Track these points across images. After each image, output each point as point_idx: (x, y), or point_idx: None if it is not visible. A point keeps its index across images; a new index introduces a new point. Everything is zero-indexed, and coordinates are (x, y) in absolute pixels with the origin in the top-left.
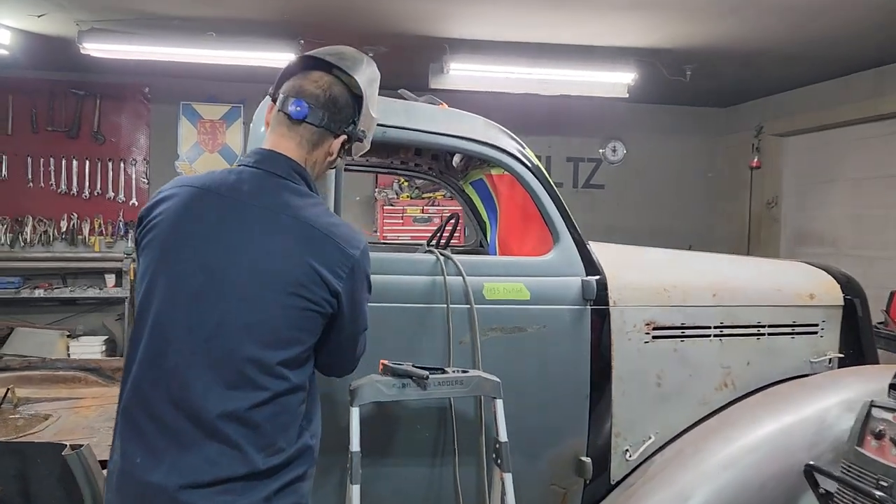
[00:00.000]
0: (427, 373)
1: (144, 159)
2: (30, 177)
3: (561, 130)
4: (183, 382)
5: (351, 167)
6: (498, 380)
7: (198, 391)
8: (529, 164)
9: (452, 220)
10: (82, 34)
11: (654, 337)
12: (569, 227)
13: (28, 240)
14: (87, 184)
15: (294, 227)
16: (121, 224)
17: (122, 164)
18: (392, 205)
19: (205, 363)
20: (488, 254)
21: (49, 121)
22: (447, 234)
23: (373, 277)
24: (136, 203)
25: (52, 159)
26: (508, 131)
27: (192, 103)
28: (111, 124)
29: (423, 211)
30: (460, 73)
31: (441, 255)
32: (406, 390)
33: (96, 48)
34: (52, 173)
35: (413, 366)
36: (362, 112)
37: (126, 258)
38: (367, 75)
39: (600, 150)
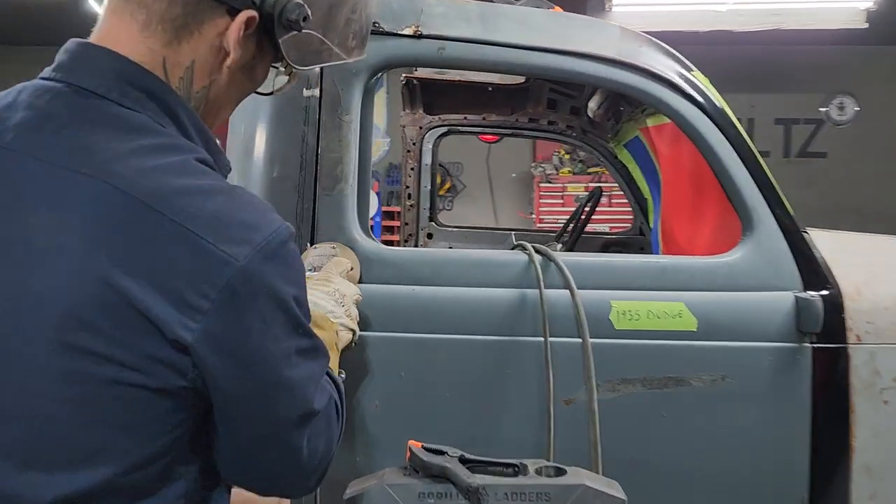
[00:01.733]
0: (482, 481)
1: None
2: None
3: (768, 85)
4: None
5: (450, 124)
6: (623, 497)
7: None
8: (702, 101)
9: (591, 202)
10: None
11: None
12: (772, 208)
13: None
14: None
15: (95, 197)
16: None
17: None
18: (550, 181)
19: None
20: (650, 246)
21: None
22: (584, 219)
23: (403, 290)
24: None
25: None
26: (665, 45)
27: None
28: None
29: (586, 189)
30: (628, 9)
31: (536, 252)
32: None
33: None
34: None
35: (465, 458)
36: None
37: None
38: None
39: (822, 109)
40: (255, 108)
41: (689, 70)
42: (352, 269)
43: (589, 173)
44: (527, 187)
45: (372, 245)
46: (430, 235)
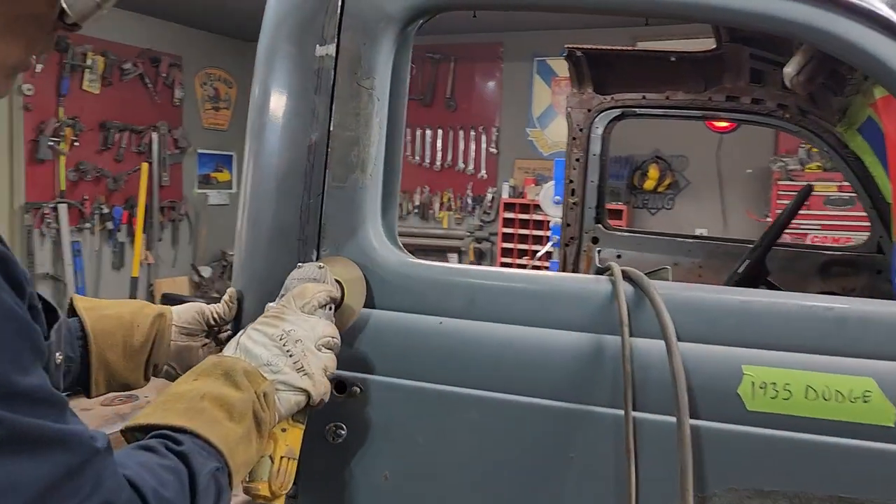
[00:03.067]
0: None
1: (495, 126)
2: None
3: None
4: None
5: (624, 106)
6: None
7: None
8: None
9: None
10: None
11: None
12: None
13: None
14: (439, 155)
15: None
16: (468, 199)
17: (472, 133)
18: (791, 179)
19: None
20: (890, 269)
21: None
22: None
23: (427, 322)
24: (485, 175)
25: (408, 129)
26: None
27: (547, 58)
28: (464, 89)
29: (840, 189)
30: None
31: (627, 277)
32: None
33: None
34: (408, 144)
35: None
36: None
37: (468, 237)
38: None
39: None
40: (265, 72)
41: None
42: (328, 305)
43: None
44: (764, 186)
45: (396, 258)
46: (595, 240)
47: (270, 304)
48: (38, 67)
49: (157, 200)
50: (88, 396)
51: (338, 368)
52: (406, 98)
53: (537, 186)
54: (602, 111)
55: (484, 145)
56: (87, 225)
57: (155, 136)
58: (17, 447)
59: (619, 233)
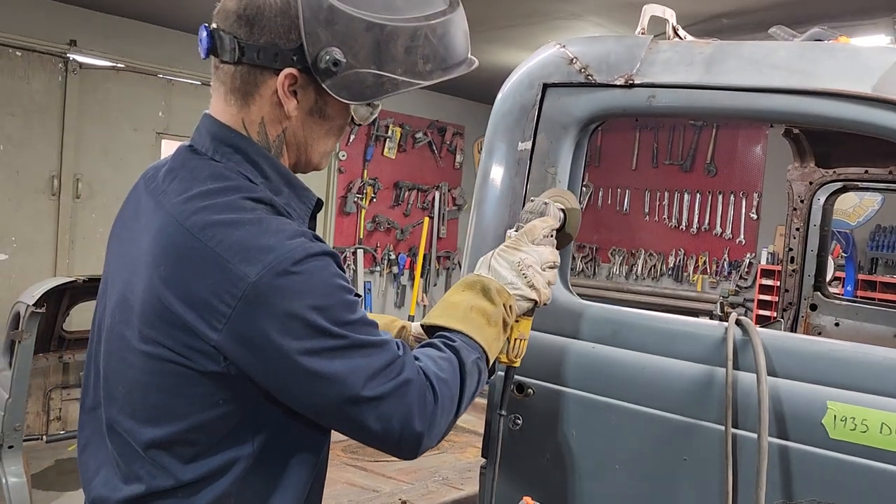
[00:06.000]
0: None
1: (757, 192)
2: (646, 210)
3: None
4: (84, 461)
5: (847, 180)
6: None
7: (89, 471)
8: None
9: None
10: None
11: None
12: None
13: (639, 273)
14: (696, 218)
15: (158, 226)
16: (724, 263)
17: (731, 198)
18: None
19: (100, 431)
20: None
21: (668, 154)
22: None
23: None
24: (744, 241)
25: (666, 193)
26: None
27: None
28: (724, 155)
29: None
30: None
31: (738, 323)
32: None
33: None
34: (666, 207)
35: None
36: (323, 17)
37: (722, 300)
38: None
39: None
40: (486, 158)
41: None
42: (551, 234)
43: None
44: None
45: (565, 297)
46: (813, 307)
47: (510, 230)
48: (351, 138)
49: (436, 250)
50: None
51: (519, 376)
52: (581, 180)
53: None
54: (824, 184)
55: (744, 210)
56: (377, 268)
57: (437, 194)
58: (358, 350)
59: (837, 301)
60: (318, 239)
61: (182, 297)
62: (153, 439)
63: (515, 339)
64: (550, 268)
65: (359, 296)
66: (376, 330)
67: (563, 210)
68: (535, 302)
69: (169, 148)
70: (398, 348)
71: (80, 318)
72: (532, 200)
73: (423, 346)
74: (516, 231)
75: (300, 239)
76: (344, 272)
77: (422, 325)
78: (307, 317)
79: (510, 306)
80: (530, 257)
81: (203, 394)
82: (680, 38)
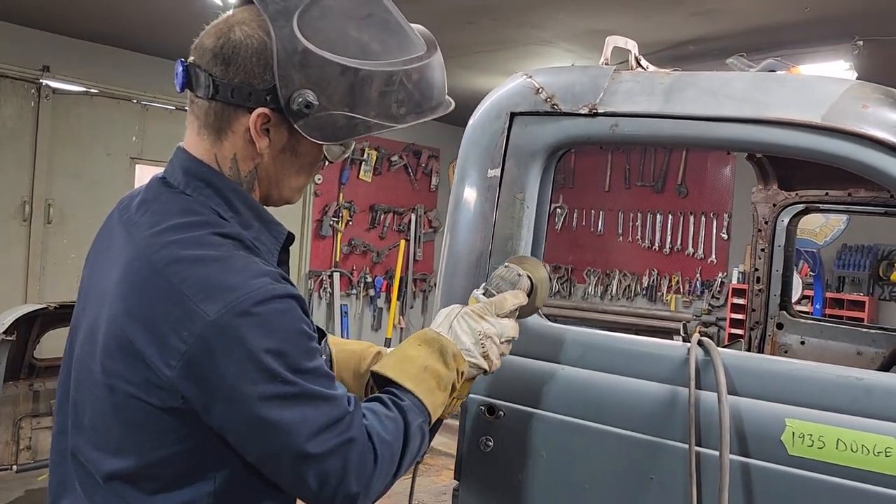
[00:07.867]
0: None
1: (727, 213)
2: (620, 231)
3: None
4: (53, 490)
5: (808, 202)
6: None
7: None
8: None
9: None
10: None
11: None
12: None
13: (613, 293)
14: (668, 239)
15: (127, 258)
16: (697, 283)
17: (702, 218)
18: None
19: (68, 461)
20: None
21: (639, 176)
22: None
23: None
24: (715, 261)
25: (639, 214)
26: None
27: None
28: (694, 177)
29: None
30: None
31: (700, 343)
32: None
33: None
34: (639, 228)
35: None
36: (297, 60)
37: (694, 320)
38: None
39: None
40: (458, 184)
41: None
42: (517, 310)
43: None
44: None
45: (535, 320)
46: (779, 326)
47: (476, 291)
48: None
49: (412, 273)
50: None
51: (489, 398)
52: (548, 206)
53: None
54: (786, 206)
55: (714, 231)
56: (354, 291)
57: (413, 216)
58: (308, 400)
59: (802, 320)
60: (285, 279)
61: (143, 331)
62: (115, 471)
63: (455, 399)
64: (508, 342)
65: (324, 334)
66: (331, 382)
67: (531, 279)
68: (485, 371)
69: (143, 173)
70: (349, 404)
71: (51, 345)
72: (507, 266)
73: (371, 400)
74: (485, 294)
75: (264, 279)
76: (308, 317)
77: (372, 373)
78: (262, 360)
79: (462, 372)
80: (493, 328)
81: (164, 429)
82: (642, 67)
